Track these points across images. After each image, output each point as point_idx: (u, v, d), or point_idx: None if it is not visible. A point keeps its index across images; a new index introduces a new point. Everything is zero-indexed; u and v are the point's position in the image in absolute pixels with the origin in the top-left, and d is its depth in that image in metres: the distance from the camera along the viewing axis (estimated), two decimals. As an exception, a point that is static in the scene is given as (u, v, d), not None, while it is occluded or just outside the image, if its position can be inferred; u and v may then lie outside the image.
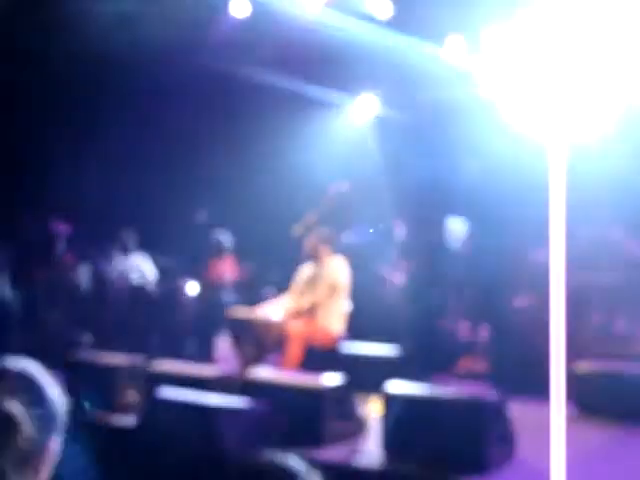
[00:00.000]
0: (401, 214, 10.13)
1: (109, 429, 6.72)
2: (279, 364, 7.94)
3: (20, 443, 1.71)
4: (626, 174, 8.21)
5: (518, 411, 6.30)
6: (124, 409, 6.89)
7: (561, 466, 3.37)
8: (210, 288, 10.66)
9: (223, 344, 8.68)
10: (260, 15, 10.10)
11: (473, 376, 9.45)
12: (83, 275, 11.18)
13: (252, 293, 10.29)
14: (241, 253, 11.08)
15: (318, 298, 7.82)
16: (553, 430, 3.42)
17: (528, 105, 3.18)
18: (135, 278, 11.11)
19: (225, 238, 10.86)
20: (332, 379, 6.28)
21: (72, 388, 7.35)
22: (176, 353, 9.58)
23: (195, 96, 11.93)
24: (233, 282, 10.82)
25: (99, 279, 11.07)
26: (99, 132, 11.42)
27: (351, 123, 12.34)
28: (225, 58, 10.96)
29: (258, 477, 1.62)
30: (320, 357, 7.94)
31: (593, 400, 7.03)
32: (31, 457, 1.75)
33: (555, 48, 3.03)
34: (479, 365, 9.76)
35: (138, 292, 10.90)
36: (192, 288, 10.88)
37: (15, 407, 1.72)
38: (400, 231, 10.75)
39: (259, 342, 7.84)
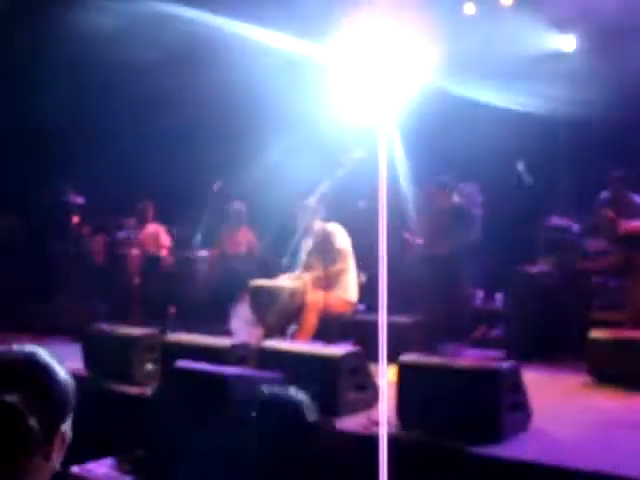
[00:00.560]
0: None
1: (126, 399, 6.77)
2: (295, 333, 7.99)
3: (25, 434, 1.73)
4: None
5: (534, 378, 6.34)
6: (141, 380, 6.93)
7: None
8: (227, 258, 10.68)
9: (241, 314, 8.70)
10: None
11: (488, 343, 9.48)
12: (99, 246, 11.24)
13: (269, 263, 10.29)
14: (257, 224, 11.09)
15: (331, 268, 7.85)
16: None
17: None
18: (151, 248, 11.16)
19: (241, 208, 10.86)
20: (347, 348, 6.31)
21: (90, 359, 7.45)
22: (193, 323, 9.65)
23: (212, 68, 11.90)
24: (250, 252, 10.84)
25: (115, 250, 11.12)
26: (116, 105, 11.42)
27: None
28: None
29: (264, 408, 1.61)
30: (335, 326, 7.98)
31: (607, 367, 7.04)
32: (39, 446, 1.77)
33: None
34: (494, 332, 9.78)
35: (155, 262, 10.94)
36: (208, 258, 10.92)
37: (19, 399, 1.73)
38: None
39: (282, 311, 7.85)
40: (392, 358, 6.46)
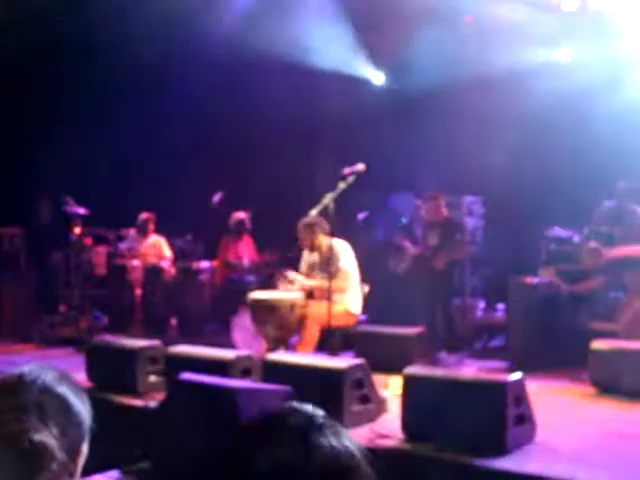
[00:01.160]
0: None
1: (129, 411, 6.77)
2: (297, 346, 8.00)
3: (52, 468, 1.75)
4: None
5: (537, 389, 6.35)
6: (144, 392, 6.94)
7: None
8: (229, 268, 10.70)
9: (243, 325, 8.71)
10: None
11: (490, 354, 9.50)
12: (100, 257, 11.25)
13: (271, 274, 10.32)
14: (259, 234, 11.13)
15: (337, 284, 7.86)
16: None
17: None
18: (153, 259, 11.18)
19: (244, 218, 10.89)
20: (352, 360, 6.32)
21: (92, 371, 7.45)
22: (195, 335, 9.67)
23: (210, 77, 11.95)
24: (252, 262, 10.86)
25: (116, 261, 11.13)
26: (116, 115, 11.45)
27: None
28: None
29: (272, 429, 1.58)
30: (338, 338, 7.99)
31: (610, 378, 7.06)
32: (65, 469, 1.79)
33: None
34: (496, 343, 9.81)
35: (156, 274, 10.95)
36: (210, 269, 10.94)
37: (44, 435, 1.74)
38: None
39: (282, 323, 7.87)
40: (395, 369, 6.51)
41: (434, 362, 8.75)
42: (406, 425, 5.40)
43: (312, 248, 8.33)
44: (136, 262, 10.88)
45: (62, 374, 1.90)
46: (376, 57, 13.45)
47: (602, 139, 10.71)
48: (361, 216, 10.00)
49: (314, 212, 7.60)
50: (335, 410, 5.72)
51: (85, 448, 1.88)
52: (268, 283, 9.78)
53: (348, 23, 12.22)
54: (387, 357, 7.65)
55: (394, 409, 5.96)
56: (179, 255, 11.46)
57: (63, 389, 1.84)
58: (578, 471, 4.69)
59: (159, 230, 11.54)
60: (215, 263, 10.93)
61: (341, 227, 8.26)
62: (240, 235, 10.89)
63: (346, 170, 7.58)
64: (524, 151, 11.16)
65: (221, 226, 10.72)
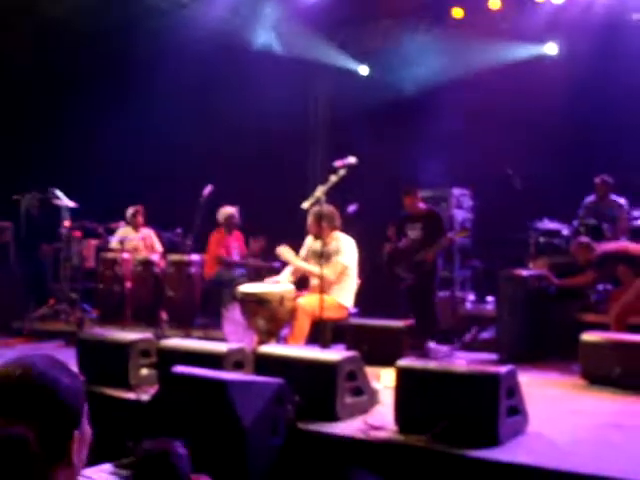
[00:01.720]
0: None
1: (122, 405, 6.77)
2: (288, 338, 8.01)
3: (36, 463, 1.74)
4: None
5: (527, 381, 6.38)
6: (136, 385, 6.93)
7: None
8: (219, 262, 10.69)
9: (233, 318, 8.71)
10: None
11: (479, 346, 9.54)
12: (90, 250, 11.23)
13: (261, 267, 10.34)
14: (250, 228, 11.13)
15: (329, 277, 7.86)
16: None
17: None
18: (142, 252, 11.16)
19: (234, 213, 10.88)
20: (344, 353, 6.33)
21: (84, 364, 7.44)
22: (185, 327, 9.67)
23: (204, 70, 11.97)
24: (242, 256, 10.85)
25: (106, 255, 11.10)
26: (107, 109, 11.42)
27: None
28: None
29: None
30: (330, 330, 8.01)
31: (600, 369, 7.11)
32: (55, 461, 1.79)
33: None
34: (485, 335, 9.84)
35: (146, 267, 10.93)
36: (200, 262, 10.93)
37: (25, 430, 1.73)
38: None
39: (272, 316, 7.88)
40: (387, 362, 6.54)
41: (425, 353, 8.79)
42: (399, 417, 5.42)
43: (317, 236, 8.31)
44: (126, 255, 10.85)
45: (53, 360, 1.88)
46: (361, 50, 13.49)
47: (590, 131, 10.80)
48: (351, 208, 10.00)
49: (306, 204, 7.60)
50: (328, 402, 5.74)
51: (85, 430, 1.87)
52: (257, 276, 9.79)
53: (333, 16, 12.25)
54: (378, 349, 7.69)
55: (387, 401, 5.98)
56: (169, 248, 11.45)
57: (50, 373, 1.81)
58: (570, 462, 4.72)
59: (148, 223, 11.53)
60: (205, 257, 10.91)
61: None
62: (230, 230, 10.88)
63: (338, 162, 7.59)
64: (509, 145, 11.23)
65: (210, 220, 10.70)
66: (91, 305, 11.12)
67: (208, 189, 9.79)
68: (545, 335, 8.71)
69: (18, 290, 10.95)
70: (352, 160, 7.56)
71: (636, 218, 10.48)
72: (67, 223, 10.90)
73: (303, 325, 7.89)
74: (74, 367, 7.36)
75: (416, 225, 9.91)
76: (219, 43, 11.97)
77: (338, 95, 13.85)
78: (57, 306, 10.98)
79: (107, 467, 5.80)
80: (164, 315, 10.53)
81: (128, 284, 10.63)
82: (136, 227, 11.43)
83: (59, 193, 10.74)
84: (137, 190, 11.42)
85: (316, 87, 14.48)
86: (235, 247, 10.86)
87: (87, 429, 1.89)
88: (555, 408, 6.38)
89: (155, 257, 11.11)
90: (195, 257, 10.81)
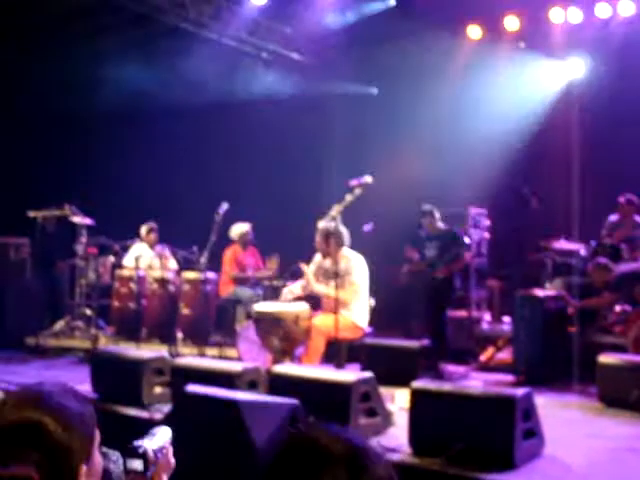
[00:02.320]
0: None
1: (135, 423, 6.74)
2: (302, 357, 7.97)
3: None
4: None
5: (544, 403, 6.33)
6: (150, 403, 6.91)
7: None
8: (235, 280, 10.68)
9: (248, 337, 8.68)
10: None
11: (496, 367, 9.47)
12: (106, 268, 11.23)
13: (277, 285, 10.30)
14: (264, 245, 11.12)
15: (344, 296, 7.80)
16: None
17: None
18: (157, 270, 11.15)
19: (248, 229, 10.87)
20: (359, 374, 6.29)
21: (97, 381, 7.43)
22: (200, 346, 9.64)
23: (219, 88, 12.01)
24: (257, 274, 10.82)
25: (121, 272, 11.11)
26: (122, 127, 11.46)
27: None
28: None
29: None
30: (345, 350, 7.96)
31: (617, 392, 7.03)
32: None
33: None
34: (503, 356, 9.77)
35: (161, 284, 10.92)
36: (215, 279, 10.91)
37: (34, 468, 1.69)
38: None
39: (286, 335, 7.84)
40: (402, 382, 6.49)
41: (439, 374, 8.73)
42: (413, 439, 5.37)
43: (325, 254, 8.28)
44: (141, 273, 10.85)
45: (64, 390, 1.85)
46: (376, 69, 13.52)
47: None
48: (367, 227, 9.96)
49: (322, 223, 7.58)
50: (341, 423, 5.67)
51: (95, 460, 1.84)
52: (274, 295, 9.75)
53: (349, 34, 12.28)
54: (393, 370, 7.63)
55: (401, 422, 5.93)
56: (184, 266, 11.43)
57: (61, 404, 1.78)
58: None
59: (164, 240, 11.53)
60: (220, 274, 10.89)
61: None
62: (245, 246, 10.87)
63: (353, 182, 7.57)
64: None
65: (226, 237, 10.68)
66: (106, 322, 11.12)
67: (224, 207, 9.78)
68: (562, 356, 8.62)
69: (34, 306, 10.96)
70: (368, 179, 7.54)
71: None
72: (83, 240, 10.91)
73: (318, 345, 7.85)
74: (88, 384, 7.36)
75: (433, 244, 9.92)
76: (233, 61, 12.01)
77: (354, 113, 13.84)
78: (72, 323, 10.98)
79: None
80: (179, 333, 10.50)
81: (143, 301, 10.63)
82: (151, 244, 11.43)
83: (76, 210, 10.76)
84: (152, 207, 11.43)
85: (332, 105, 14.47)
86: (250, 263, 10.84)
87: (97, 459, 1.85)
88: (571, 431, 6.31)
89: (170, 275, 11.09)
90: (210, 275, 10.78)
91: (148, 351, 7.84)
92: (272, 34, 12.80)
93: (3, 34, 10.97)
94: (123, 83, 11.54)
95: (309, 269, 8.46)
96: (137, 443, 2.22)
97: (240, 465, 5.04)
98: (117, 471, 2.20)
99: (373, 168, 8.11)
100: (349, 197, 7.53)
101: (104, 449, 2.00)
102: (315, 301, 8.45)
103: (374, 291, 8.57)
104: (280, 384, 6.18)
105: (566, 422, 6.61)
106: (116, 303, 10.96)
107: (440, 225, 10.05)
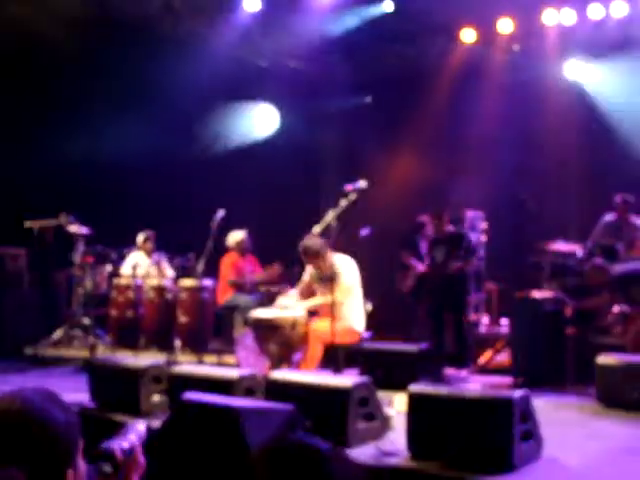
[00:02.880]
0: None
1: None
2: (300, 363, 7.97)
3: None
4: None
5: (542, 405, 6.32)
6: (148, 412, 6.90)
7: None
8: (232, 287, 10.67)
9: (246, 344, 8.68)
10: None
11: (494, 369, 9.47)
12: (103, 277, 11.22)
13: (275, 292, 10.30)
14: (259, 252, 11.12)
15: (335, 299, 7.77)
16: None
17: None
18: (154, 278, 11.14)
19: (244, 237, 10.87)
20: (357, 379, 6.27)
21: (95, 390, 7.41)
22: (199, 354, 9.63)
23: (217, 95, 12.02)
24: (256, 281, 10.82)
25: (119, 280, 11.10)
26: (118, 132, 11.45)
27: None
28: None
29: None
30: (342, 355, 7.96)
31: (616, 393, 7.03)
32: None
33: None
34: (501, 358, 9.77)
35: (158, 292, 10.91)
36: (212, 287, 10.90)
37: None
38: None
39: (284, 341, 7.84)
40: (401, 386, 6.47)
41: (439, 379, 8.72)
42: (412, 443, 5.36)
43: (314, 267, 8.30)
44: (138, 281, 10.85)
45: (46, 394, 1.84)
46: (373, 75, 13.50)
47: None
48: (363, 232, 9.97)
49: (317, 229, 7.58)
50: (339, 428, 5.68)
51: (79, 467, 1.83)
52: (271, 302, 9.76)
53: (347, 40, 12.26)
54: (391, 374, 7.62)
55: (399, 427, 5.92)
56: (181, 273, 11.43)
57: (44, 411, 1.78)
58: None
59: (160, 248, 11.52)
60: (217, 282, 10.88)
61: (344, 243, 8.24)
62: (243, 254, 10.87)
63: (348, 187, 7.57)
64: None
65: (222, 244, 10.67)
66: (104, 331, 11.11)
67: (220, 214, 9.77)
68: (560, 358, 8.62)
69: (31, 316, 10.95)
70: (363, 184, 7.55)
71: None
72: (80, 249, 10.91)
73: (315, 350, 7.86)
74: (86, 393, 7.35)
75: (441, 247, 9.94)
76: (231, 68, 12.01)
77: (351, 119, 13.86)
78: (70, 332, 10.96)
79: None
80: (177, 341, 10.49)
81: (141, 310, 10.63)
82: (147, 253, 11.43)
83: (72, 219, 10.75)
84: (148, 215, 11.42)
85: (329, 111, 14.49)
86: (248, 271, 10.84)
87: (82, 465, 1.85)
88: (570, 432, 6.30)
89: (167, 282, 11.09)
90: (207, 282, 10.78)
91: (145, 359, 7.83)
92: (267, 42, 12.81)
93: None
94: (118, 93, 11.57)
95: (304, 277, 8.47)
96: (105, 445, 2.17)
97: (238, 472, 5.02)
98: None
99: (369, 173, 8.14)
100: (344, 202, 7.54)
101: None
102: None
103: (371, 295, 8.57)
104: (277, 390, 6.16)
105: (565, 423, 6.60)
106: (113, 312, 10.95)
107: (449, 228, 10.07)
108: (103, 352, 10.16)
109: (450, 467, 5.01)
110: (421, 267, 10.38)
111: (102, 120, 11.72)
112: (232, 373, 6.69)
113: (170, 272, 11.47)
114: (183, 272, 11.42)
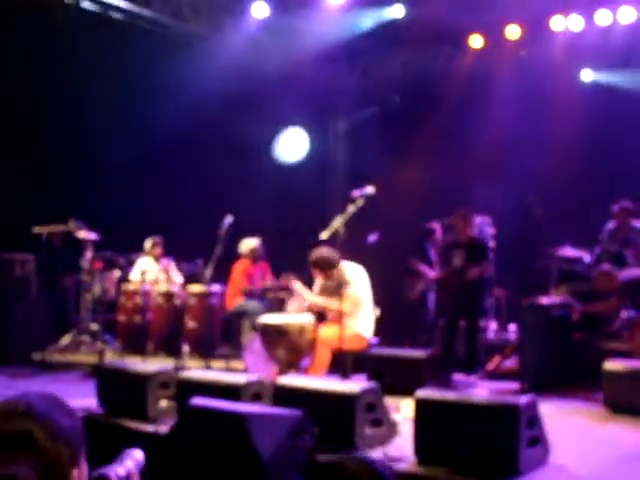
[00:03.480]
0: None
1: (140, 437, 6.74)
2: (308, 369, 7.98)
3: None
4: None
5: (550, 410, 6.31)
6: (155, 417, 6.91)
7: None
8: (243, 294, 10.69)
9: (254, 349, 8.70)
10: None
11: (502, 375, 9.46)
12: (111, 282, 11.24)
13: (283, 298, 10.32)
14: (270, 260, 11.15)
15: (344, 308, 7.77)
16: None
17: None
18: (163, 284, 11.16)
19: (255, 244, 10.89)
20: (364, 384, 6.28)
21: (103, 395, 7.43)
22: (207, 359, 9.65)
23: (224, 101, 12.04)
24: (266, 287, 10.83)
25: (127, 286, 11.12)
26: (128, 140, 11.47)
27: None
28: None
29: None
30: (350, 361, 7.96)
31: (623, 399, 7.02)
32: None
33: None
34: (509, 364, 9.76)
35: (166, 298, 10.94)
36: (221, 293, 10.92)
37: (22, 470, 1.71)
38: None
39: (292, 347, 7.85)
40: (408, 392, 6.48)
41: (447, 384, 8.72)
42: (418, 448, 5.36)
43: (324, 277, 8.32)
44: (147, 287, 10.87)
45: (51, 399, 1.86)
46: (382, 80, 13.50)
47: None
48: (371, 238, 9.98)
49: (325, 235, 7.59)
50: (347, 433, 5.69)
51: (79, 473, 1.84)
52: (279, 308, 9.78)
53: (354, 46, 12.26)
54: (399, 379, 7.63)
55: (406, 432, 5.93)
56: (189, 279, 11.45)
57: (49, 414, 1.79)
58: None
59: (169, 254, 11.55)
60: (227, 287, 10.90)
61: (351, 250, 8.25)
62: (255, 261, 10.90)
63: (355, 193, 7.58)
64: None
65: (230, 250, 10.69)
66: (112, 337, 11.13)
67: (228, 220, 9.79)
68: (568, 363, 8.62)
69: (40, 322, 10.96)
70: (370, 190, 7.56)
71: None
72: (89, 255, 10.94)
73: (323, 356, 7.86)
74: (93, 399, 7.37)
75: (459, 252, 9.89)
76: (238, 75, 12.04)
77: (359, 124, 13.88)
78: (78, 338, 10.99)
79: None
80: (185, 346, 10.51)
81: (149, 315, 10.65)
82: (156, 258, 11.46)
83: (81, 225, 10.78)
84: (157, 221, 11.44)
85: (336, 117, 14.52)
86: (259, 278, 10.86)
87: (85, 471, 1.86)
88: (577, 438, 6.30)
89: (175, 288, 11.11)
90: (216, 288, 10.80)
91: (153, 365, 7.84)
92: (274, 46, 12.85)
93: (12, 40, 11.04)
94: (125, 98, 11.60)
95: (314, 288, 8.49)
96: (101, 470, 2.17)
97: (246, 477, 5.04)
98: None
99: (377, 178, 8.14)
100: (351, 208, 7.55)
101: None
102: (320, 313, 8.46)
103: (379, 301, 8.57)
104: (285, 395, 6.18)
105: (572, 429, 6.60)
106: (122, 317, 10.98)
107: (471, 232, 10.02)
108: (111, 358, 10.18)
109: (457, 473, 5.00)
110: (433, 273, 10.37)
111: (111, 126, 11.75)
112: (240, 379, 6.70)
113: (178, 278, 11.49)
114: (191, 278, 11.45)
